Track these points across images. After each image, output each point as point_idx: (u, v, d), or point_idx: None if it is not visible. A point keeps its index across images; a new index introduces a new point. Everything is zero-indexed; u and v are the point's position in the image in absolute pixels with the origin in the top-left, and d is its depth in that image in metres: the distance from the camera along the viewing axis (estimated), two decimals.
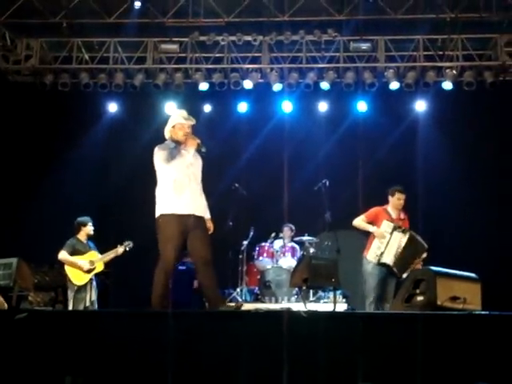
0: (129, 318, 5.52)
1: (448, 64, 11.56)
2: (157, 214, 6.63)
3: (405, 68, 11.72)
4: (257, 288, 10.33)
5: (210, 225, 6.91)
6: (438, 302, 5.79)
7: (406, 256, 8.05)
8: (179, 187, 6.61)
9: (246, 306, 8.65)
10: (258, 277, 10.34)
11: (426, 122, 11.99)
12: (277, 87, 11.73)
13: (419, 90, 11.78)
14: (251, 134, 11.94)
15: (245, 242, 10.35)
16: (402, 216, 8.56)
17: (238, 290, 10.01)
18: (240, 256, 10.29)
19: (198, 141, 6.83)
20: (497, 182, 11.34)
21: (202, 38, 11.51)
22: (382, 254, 8.12)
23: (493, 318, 5.38)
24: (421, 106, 12.04)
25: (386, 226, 8.23)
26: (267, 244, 10.60)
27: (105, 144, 12.00)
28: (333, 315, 6.21)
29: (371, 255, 8.22)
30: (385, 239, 8.16)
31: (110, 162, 12.07)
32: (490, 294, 6.52)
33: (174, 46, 11.59)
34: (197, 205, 6.71)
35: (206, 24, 11.49)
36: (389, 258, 8.07)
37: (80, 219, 9.41)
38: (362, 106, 12.05)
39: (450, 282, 5.94)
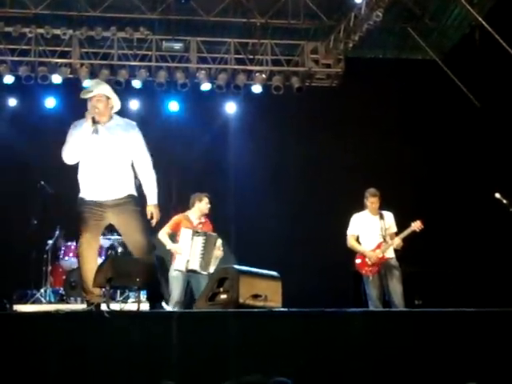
0: None
1: (258, 68, 11.87)
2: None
3: (216, 70, 11.88)
4: (62, 288, 10.04)
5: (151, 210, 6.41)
6: (241, 300, 5.88)
7: (206, 254, 8.50)
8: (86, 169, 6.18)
9: (48, 307, 8.47)
10: (64, 277, 10.06)
11: (236, 124, 12.20)
12: (87, 83, 11.45)
13: (230, 92, 11.99)
14: (59, 131, 11.51)
15: (50, 242, 10.03)
16: (203, 219, 8.88)
17: (42, 290, 9.67)
18: (45, 256, 9.95)
19: (92, 114, 6.22)
20: (301, 184, 11.77)
21: (8, 29, 11.03)
22: (188, 261, 8.47)
23: (291, 314, 5.57)
24: (231, 107, 12.25)
25: (185, 233, 8.55)
26: (73, 243, 10.33)
27: None
28: (137, 315, 6.14)
29: (179, 264, 8.51)
30: (187, 248, 8.47)
31: None
32: (291, 291, 6.75)
33: None
34: (112, 188, 6.20)
35: (12, 14, 11.03)
36: (195, 264, 8.46)
37: None
38: (173, 106, 12.08)
39: (252, 280, 6.07)
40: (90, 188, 6.23)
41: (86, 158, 6.25)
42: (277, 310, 5.89)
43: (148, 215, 6.43)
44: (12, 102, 11.74)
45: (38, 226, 9.91)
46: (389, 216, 8.72)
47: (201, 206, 8.87)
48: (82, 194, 6.28)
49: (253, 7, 11.58)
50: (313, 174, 11.84)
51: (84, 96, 6.39)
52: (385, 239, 8.55)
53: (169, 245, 8.67)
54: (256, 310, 5.77)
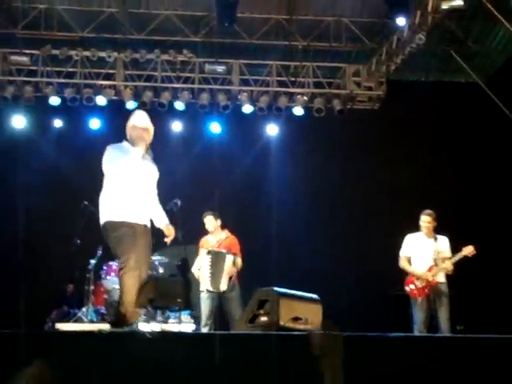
0: None
1: (299, 90, 11.93)
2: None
3: (258, 92, 11.97)
4: (103, 308, 10.11)
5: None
6: (281, 323, 5.89)
7: (215, 272, 8.64)
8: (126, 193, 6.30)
9: (90, 327, 8.52)
10: (105, 296, 10.12)
11: (277, 146, 12.24)
12: (131, 105, 11.64)
13: (272, 114, 12.05)
14: (103, 151, 11.69)
15: (92, 261, 10.12)
16: (224, 235, 9.00)
17: (84, 309, 9.75)
18: (87, 275, 10.04)
19: (147, 142, 6.46)
20: (343, 205, 11.74)
21: (55, 52, 11.28)
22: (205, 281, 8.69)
23: (332, 337, 5.54)
24: (273, 129, 12.29)
25: (201, 254, 8.83)
26: (115, 263, 10.40)
27: None
28: (178, 336, 6.18)
29: (201, 285, 8.73)
30: (202, 268, 8.70)
31: None
32: (332, 315, 6.72)
33: (25, 59, 11.29)
34: (146, 215, 6.40)
35: (58, 38, 11.27)
36: (207, 283, 8.64)
37: None
38: (215, 128, 12.18)
39: (292, 303, 6.08)
40: (128, 211, 6.30)
41: (127, 183, 6.35)
42: (317, 332, 5.87)
43: (167, 234, 6.59)
44: (57, 123, 11.96)
45: (81, 245, 10.02)
46: (444, 240, 8.56)
47: (205, 225, 9.04)
48: (115, 217, 6.30)
49: (295, 30, 11.67)
50: (354, 195, 11.81)
51: (145, 126, 6.58)
52: (436, 263, 8.43)
53: (192, 268, 8.92)
54: (296, 333, 5.76)
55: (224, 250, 8.80)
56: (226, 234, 9.06)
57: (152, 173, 6.57)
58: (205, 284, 8.66)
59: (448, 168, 11.84)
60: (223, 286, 8.63)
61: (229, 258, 8.71)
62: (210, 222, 9.01)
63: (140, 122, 6.58)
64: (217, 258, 8.69)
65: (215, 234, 9.02)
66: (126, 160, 6.34)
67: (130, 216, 6.28)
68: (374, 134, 11.90)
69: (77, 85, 11.58)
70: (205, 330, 8.53)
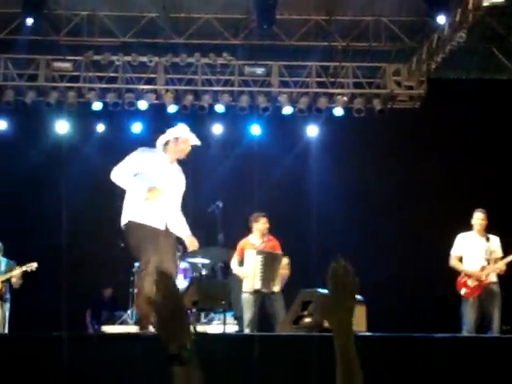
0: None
1: (339, 91, 11.90)
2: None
3: (298, 93, 11.98)
4: None
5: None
6: (325, 324, 5.88)
7: (267, 272, 8.52)
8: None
9: (135, 329, 8.63)
10: None
11: (317, 147, 12.23)
12: (172, 109, 11.74)
13: (312, 115, 12.05)
14: None
15: (136, 264, 10.22)
16: (267, 238, 8.98)
17: (129, 312, 9.87)
18: (132, 278, 10.15)
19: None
20: (384, 206, 11.70)
21: (97, 58, 11.43)
22: (253, 281, 8.57)
23: (376, 338, 5.53)
24: (313, 130, 12.29)
25: (248, 254, 8.69)
26: None
27: None
28: (222, 337, 6.22)
29: (246, 286, 8.66)
30: (250, 269, 8.57)
31: None
32: (374, 316, 6.71)
33: (68, 65, 11.45)
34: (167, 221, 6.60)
35: (100, 43, 11.42)
36: (257, 283, 8.51)
37: None
38: (255, 130, 12.22)
39: None
40: (150, 215, 6.46)
41: (153, 188, 6.46)
42: (361, 334, 5.87)
43: (188, 244, 6.77)
44: (100, 127, 12.12)
45: (125, 248, 10.12)
46: (495, 240, 8.47)
47: (258, 226, 8.98)
48: (137, 219, 6.48)
49: (334, 31, 11.63)
50: (395, 195, 11.76)
51: (196, 143, 6.83)
52: (489, 262, 8.34)
53: (234, 269, 8.87)
54: None
55: (278, 252, 8.82)
56: (267, 236, 9.08)
57: (179, 183, 6.71)
58: (252, 284, 8.60)
59: (491, 167, 11.71)
60: (276, 288, 8.65)
61: (284, 261, 8.75)
62: (266, 224, 9.01)
63: (189, 138, 6.79)
64: (272, 259, 8.64)
65: (260, 236, 9.02)
66: (156, 166, 6.48)
67: (152, 220, 6.40)
68: (415, 134, 11.84)
69: (119, 90, 11.72)
70: (247, 330, 8.55)
